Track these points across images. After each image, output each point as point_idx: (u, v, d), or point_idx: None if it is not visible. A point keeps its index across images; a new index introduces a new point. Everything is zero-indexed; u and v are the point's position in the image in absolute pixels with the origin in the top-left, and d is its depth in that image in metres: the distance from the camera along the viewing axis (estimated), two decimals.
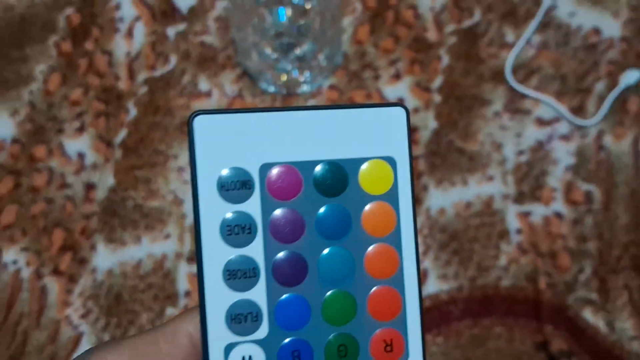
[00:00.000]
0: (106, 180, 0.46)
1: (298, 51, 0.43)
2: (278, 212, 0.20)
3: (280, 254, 0.20)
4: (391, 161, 0.21)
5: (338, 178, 0.21)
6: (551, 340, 0.42)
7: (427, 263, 0.43)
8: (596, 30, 0.50)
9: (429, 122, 0.47)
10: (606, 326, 0.43)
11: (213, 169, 0.20)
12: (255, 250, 0.20)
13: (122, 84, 0.48)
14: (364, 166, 0.21)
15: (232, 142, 0.20)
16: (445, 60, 0.49)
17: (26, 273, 0.44)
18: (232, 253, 0.20)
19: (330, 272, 0.21)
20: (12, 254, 0.45)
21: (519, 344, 0.42)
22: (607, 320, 0.43)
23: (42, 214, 0.45)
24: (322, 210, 0.21)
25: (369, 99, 0.48)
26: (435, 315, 0.42)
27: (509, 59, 0.48)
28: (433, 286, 0.43)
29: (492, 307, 0.42)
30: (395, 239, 0.21)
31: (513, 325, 0.42)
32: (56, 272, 0.44)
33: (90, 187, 0.46)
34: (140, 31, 0.50)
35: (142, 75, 0.48)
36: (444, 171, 0.46)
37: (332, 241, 0.21)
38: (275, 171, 0.20)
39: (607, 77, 0.48)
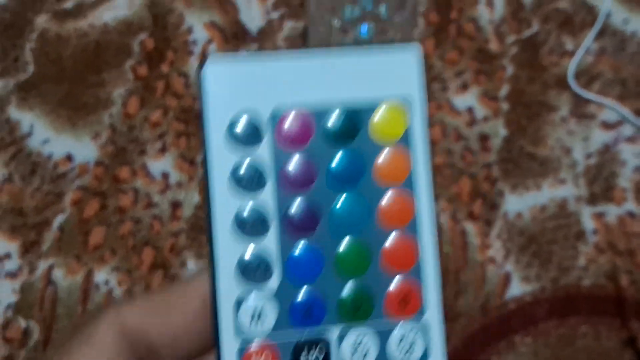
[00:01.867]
0: (191, 198, 0.46)
1: None
2: (289, 159, 0.19)
3: (292, 203, 0.19)
4: (406, 104, 0.20)
5: (350, 124, 0.20)
6: (638, 336, 0.42)
7: (509, 266, 0.44)
8: None
9: (499, 130, 0.48)
10: None
11: (223, 116, 0.19)
12: (266, 198, 0.19)
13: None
14: (378, 111, 0.20)
15: (242, 90, 0.19)
16: (510, 69, 0.50)
17: (118, 292, 0.45)
18: (242, 202, 0.19)
19: (343, 220, 0.19)
20: (104, 274, 0.45)
21: (605, 341, 0.43)
22: None
23: (130, 233, 0.46)
24: (334, 157, 0.19)
25: (439, 110, 0.49)
26: (521, 316, 0.43)
27: (571, 66, 0.50)
28: (517, 288, 0.44)
29: (576, 306, 0.43)
30: (410, 185, 0.20)
31: (598, 323, 0.43)
32: (149, 290, 0.44)
33: (176, 205, 0.46)
34: (214, 52, 0.51)
35: None
36: (518, 177, 0.47)
37: (345, 189, 0.19)
38: (286, 117, 0.19)
39: None
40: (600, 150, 0.47)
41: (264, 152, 0.19)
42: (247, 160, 0.19)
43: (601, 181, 0.47)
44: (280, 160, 0.19)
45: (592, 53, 0.50)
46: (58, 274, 0.45)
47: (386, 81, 0.20)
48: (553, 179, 0.47)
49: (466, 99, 0.49)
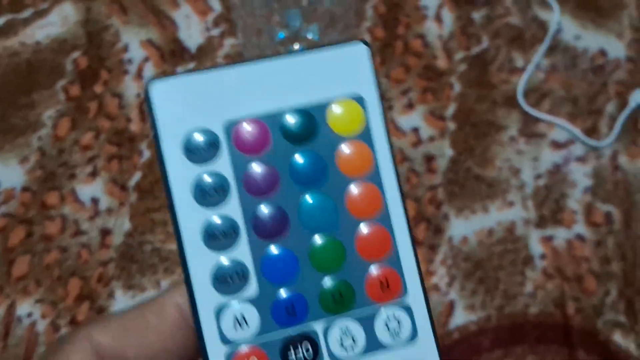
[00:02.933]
0: (122, 224, 0.44)
1: None
2: (250, 166, 0.19)
3: (258, 208, 0.19)
4: (359, 99, 0.20)
5: (306, 124, 0.20)
6: None
7: (453, 294, 0.42)
8: (602, 52, 0.49)
9: (445, 150, 0.46)
10: (637, 348, 0.41)
11: (177, 133, 0.19)
12: (232, 208, 0.19)
13: (134, 126, 0.47)
14: (332, 108, 0.20)
15: (192, 104, 0.19)
16: (457, 87, 0.48)
17: (42, 326, 0.42)
18: (209, 214, 0.19)
19: (311, 218, 0.19)
20: (27, 307, 0.42)
21: None
22: (637, 343, 0.41)
23: (57, 263, 0.43)
24: (294, 158, 0.19)
25: None
26: (465, 346, 0.41)
27: (520, 83, 0.48)
28: (461, 317, 0.41)
29: (523, 335, 0.41)
30: (375, 177, 0.20)
31: (545, 352, 0.41)
32: (74, 323, 0.42)
33: (105, 232, 0.44)
34: (150, 72, 0.48)
35: None
36: (464, 199, 0.45)
37: (310, 188, 0.19)
38: (240, 126, 0.19)
39: (617, 97, 0.48)
40: (550, 171, 0.45)
41: (223, 163, 0.19)
42: (207, 174, 0.19)
43: (550, 203, 0.45)
44: (241, 169, 0.19)
45: (542, 70, 0.49)
46: None
47: (337, 79, 0.20)
48: (501, 201, 0.44)
49: (412, 119, 0.47)
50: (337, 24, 0.38)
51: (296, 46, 0.38)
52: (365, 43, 0.20)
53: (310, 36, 0.38)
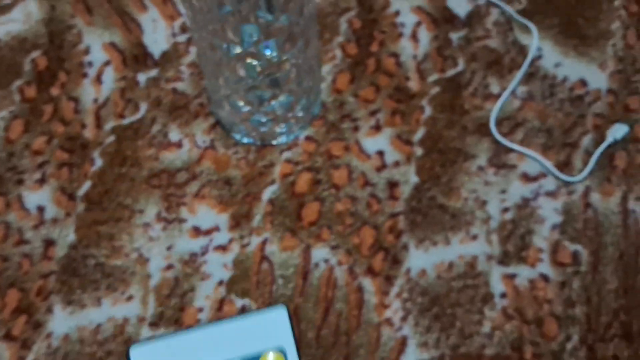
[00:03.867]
0: (67, 236, 0.42)
1: (273, 103, 0.40)
2: None
3: None
4: (283, 351, 0.28)
5: None
6: None
7: (406, 329, 0.40)
8: (582, 82, 0.47)
9: (410, 177, 0.44)
10: None
11: None
12: None
13: (88, 133, 0.44)
14: (263, 358, 0.28)
15: None
16: (428, 110, 0.46)
17: None
18: None
19: None
20: None
21: None
22: None
23: None
24: None
25: (347, 151, 0.44)
26: None
27: (494, 110, 0.45)
28: (413, 355, 0.39)
29: None
30: None
31: None
32: (8, 337, 0.40)
33: (49, 243, 0.42)
34: (110, 77, 0.46)
35: (109, 124, 0.45)
36: (426, 229, 0.42)
37: None
38: None
39: (594, 130, 0.45)
40: (518, 205, 0.43)
41: None
42: None
43: (516, 239, 0.42)
44: None
45: (518, 97, 0.46)
46: None
47: (266, 336, 0.28)
48: (464, 233, 0.42)
49: (378, 141, 0.45)
50: (297, 41, 0.36)
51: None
52: (286, 307, 0.30)
53: (268, 52, 0.36)
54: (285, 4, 0.33)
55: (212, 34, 0.34)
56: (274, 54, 0.36)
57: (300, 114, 0.43)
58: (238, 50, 0.35)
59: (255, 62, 0.37)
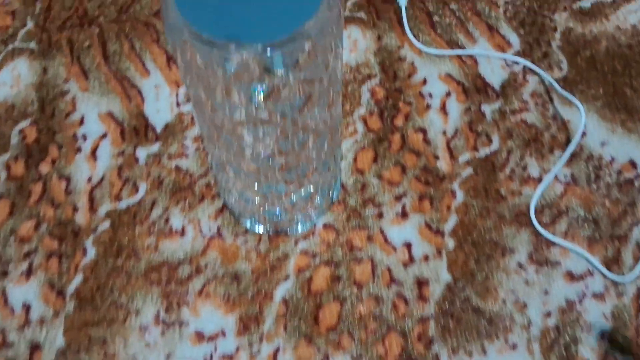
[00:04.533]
0: (54, 339, 0.37)
1: (288, 199, 0.35)
2: None
3: None
4: None
5: None
6: None
7: None
8: (632, 163, 0.42)
9: (441, 274, 0.39)
10: None
11: None
12: None
13: (81, 217, 0.40)
14: None
15: None
16: (460, 195, 0.41)
17: None
18: None
19: None
20: None
21: None
22: None
23: None
24: None
25: (370, 242, 0.39)
26: None
27: (534, 197, 0.40)
28: None
29: None
30: None
31: None
32: None
33: (35, 347, 0.37)
34: (106, 152, 0.41)
35: (104, 207, 0.40)
36: (459, 337, 0.37)
37: None
38: None
39: None
40: (562, 308, 0.38)
41: None
42: None
43: (560, 349, 0.37)
44: None
45: (560, 181, 0.41)
46: None
47: None
48: (502, 342, 0.37)
49: (404, 230, 0.40)
50: (314, 104, 0.31)
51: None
52: None
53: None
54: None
55: (212, 96, 0.29)
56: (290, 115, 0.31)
57: (318, 201, 0.38)
58: (243, 111, 0.30)
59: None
